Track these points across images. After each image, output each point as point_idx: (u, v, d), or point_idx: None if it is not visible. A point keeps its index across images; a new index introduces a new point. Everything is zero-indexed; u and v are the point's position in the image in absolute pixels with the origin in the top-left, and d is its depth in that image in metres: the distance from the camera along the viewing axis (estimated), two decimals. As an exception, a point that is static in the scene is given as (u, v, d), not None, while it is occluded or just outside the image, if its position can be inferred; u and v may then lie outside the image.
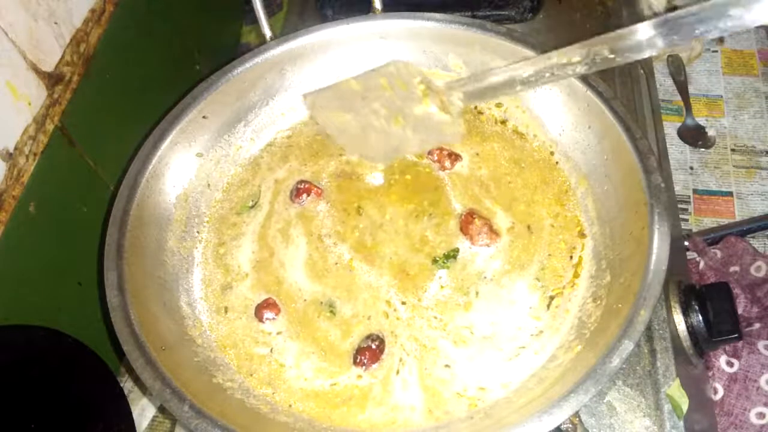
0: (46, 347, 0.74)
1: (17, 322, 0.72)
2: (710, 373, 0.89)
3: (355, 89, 0.74)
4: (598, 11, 1.11)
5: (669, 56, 1.47)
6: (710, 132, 1.41)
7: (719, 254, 1.08)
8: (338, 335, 0.72)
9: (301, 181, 0.84)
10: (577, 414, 0.71)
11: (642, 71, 1.03)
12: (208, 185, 0.85)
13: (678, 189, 1.33)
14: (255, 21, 0.89)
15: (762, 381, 0.88)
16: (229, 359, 0.72)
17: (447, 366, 0.69)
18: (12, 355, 0.70)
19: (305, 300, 0.75)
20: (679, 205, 1.30)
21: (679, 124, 1.42)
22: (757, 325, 0.92)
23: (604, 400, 0.72)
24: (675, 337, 0.76)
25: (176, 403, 0.60)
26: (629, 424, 0.70)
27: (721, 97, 1.46)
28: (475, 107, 0.89)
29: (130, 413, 0.77)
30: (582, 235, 0.77)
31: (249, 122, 0.88)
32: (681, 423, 0.70)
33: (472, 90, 0.67)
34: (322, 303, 0.75)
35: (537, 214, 0.79)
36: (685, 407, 0.71)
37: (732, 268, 1.06)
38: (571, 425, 0.71)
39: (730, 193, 1.33)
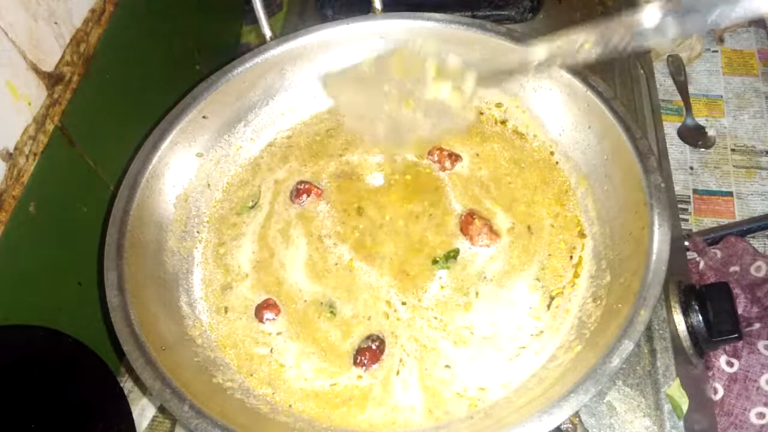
0: (46, 347, 0.74)
1: (17, 322, 0.72)
2: (710, 373, 0.89)
3: (368, 71, 0.73)
4: (598, 11, 1.11)
5: (669, 56, 1.47)
6: (710, 132, 1.41)
7: (719, 254, 1.08)
8: (338, 336, 0.72)
9: (301, 182, 0.84)
10: (577, 414, 0.71)
11: (642, 71, 1.03)
12: (208, 185, 0.85)
13: (678, 189, 1.33)
14: (255, 21, 0.89)
15: (762, 381, 0.88)
16: (229, 359, 0.72)
17: (447, 366, 0.69)
18: (12, 355, 0.70)
19: (305, 300, 0.75)
20: (679, 205, 1.30)
21: (679, 124, 1.42)
22: (757, 325, 0.93)
23: (604, 400, 0.72)
24: (675, 337, 0.76)
25: (176, 403, 0.60)
26: (629, 424, 0.70)
27: (721, 97, 1.46)
28: (475, 107, 0.89)
29: (130, 413, 0.77)
30: (582, 235, 0.77)
31: (249, 122, 0.88)
32: (681, 423, 0.70)
33: (485, 72, 0.66)
34: (322, 303, 0.75)
35: (537, 215, 0.79)
36: (685, 407, 0.71)
37: (732, 268, 1.06)
38: (571, 425, 0.71)
39: (730, 193, 1.33)
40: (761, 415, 0.87)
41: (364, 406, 0.67)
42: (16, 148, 0.72)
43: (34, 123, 0.75)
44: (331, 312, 0.74)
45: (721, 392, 0.89)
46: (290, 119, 0.91)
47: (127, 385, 0.87)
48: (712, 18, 0.51)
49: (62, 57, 0.80)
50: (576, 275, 0.74)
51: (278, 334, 0.73)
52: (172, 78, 1.05)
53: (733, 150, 1.38)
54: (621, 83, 0.99)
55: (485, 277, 0.75)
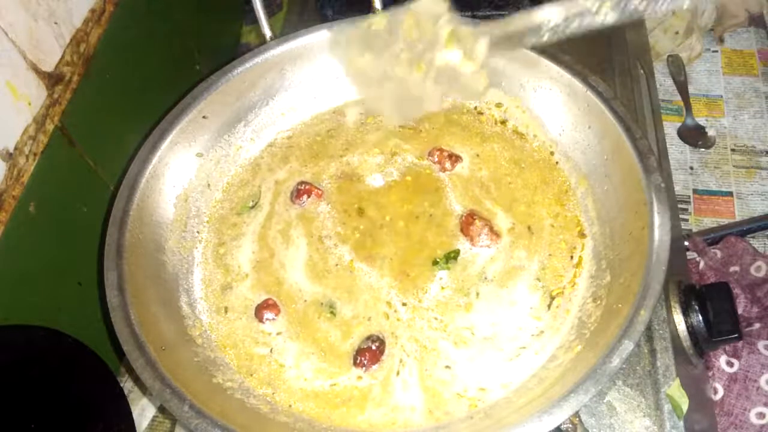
0: (46, 347, 0.74)
1: (17, 322, 0.72)
2: (710, 373, 0.89)
3: (380, 28, 0.70)
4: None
5: (669, 56, 1.47)
6: (710, 132, 1.41)
7: (719, 254, 1.08)
8: (338, 336, 0.72)
9: (302, 182, 0.84)
10: (577, 414, 0.71)
11: (642, 71, 1.03)
12: (208, 185, 0.85)
13: (678, 189, 1.33)
14: (255, 21, 0.89)
15: (762, 381, 0.88)
16: (229, 359, 0.72)
17: (447, 367, 0.69)
18: (12, 355, 0.70)
19: (305, 301, 0.75)
20: (679, 205, 1.30)
21: (679, 124, 1.42)
22: (757, 325, 0.93)
23: (604, 400, 0.72)
24: (675, 337, 0.76)
25: (176, 403, 0.60)
26: (629, 424, 0.70)
27: (721, 97, 1.46)
28: (475, 107, 0.90)
29: (130, 413, 0.77)
30: (582, 235, 0.77)
31: (249, 122, 0.88)
32: (681, 423, 0.70)
33: (499, 36, 0.64)
34: (322, 304, 0.75)
35: (537, 215, 0.79)
36: (685, 407, 0.71)
37: (732, 268, 1.06)
38: (571, 425, 0.71)
39: (730, 193, 1.33)
40: (761, 415, 0.87)
41: (363, 407, 0.67)
42: (16, 148, 0.72)
43: (34, 123, 0.75)
44: (331, 312, 0.74)
45: (721, 392, 0.89)
46: (290, 119, 0.91)
47: (127, 385, 0.87)
48: None
49: (62, 57, 0.80)
50: (576, 275, 0.74)
51: (278, 334, 0.73)
52: (172, 78, 1.05)
53: (733, 150, 1.38)
54: (621, 83, 0.99)
55: (486, 278, 0.75)
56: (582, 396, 0.57)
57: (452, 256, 0.76)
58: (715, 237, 1.16)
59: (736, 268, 1.06)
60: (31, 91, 0.75)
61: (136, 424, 0.78)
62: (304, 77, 0.89)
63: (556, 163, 0.83)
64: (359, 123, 0.91)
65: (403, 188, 0.83)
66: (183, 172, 0.82)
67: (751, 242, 1.14)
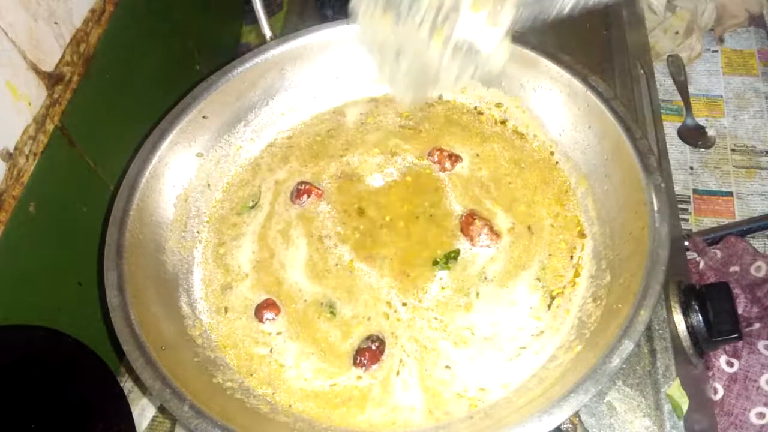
0: (46, 347, 0.74)
1: (17, 322, 0.72)
2: (710, 373, 0.89)
3: None
4: (598, 11, 1.11)
5: (669, 56, 1.47)
6: (710, 132, 1.41)
7: (719, 254, 1.08)
8: (338, 336, 0.72)
9: (302, 182, 0.84)
10: (577, 414, 0.71)
11: (642, 71, 1.03)
12: (208, 185, 0.85)
13: (678, 189, 1.33)
14: (255, 21, 0.89)
15: (762, 381, 0.88)
16: (229, 359, 0.72)
17: (447, 367, 0.69)
18: (12, 355, 0.70)
19: (305, 301, 0.75)
20: (679, 205, 1.30)
21: (679, 124, 1.42)
22: (757, 325, 0.93)
23: (604, 400, 0.72)
24: (675, 337, 0.76)
25: (176, 403, 0.60)
26: (629, 424, 0.70)
27: (721, 97, 1.46)
28: (475, 107, 0.90)
29: (130, 413, 0.77)
30: (582, 235, 0.77)
31: (249, 122, 0.88)
32: (681, 423, 0.70)
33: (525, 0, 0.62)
34: (322, 304, 0.75)
35: (537, 215, 0.79)
36: (685, 407, 0.71)
37: (732, 268, 1.06)
38: (571, 425, 0.71)
39: (730, 193, 1.33)
40: (761, 415, 0.87)
41: (363, 407, 0.67)
42: (16, 148, 0.72)
43: (34, 123, 0.75)
44: (331, 312, 0.74)
45: (721, 392, 0.89)
46: (290, 119, 0.91)
47: (127, 385, 0.87)
48: None
49: (62, 57, 0.80)
50: (576, 275, 0.74)
51: (278, 334, 0.73)
52: (172, 78, 1.05)
53: (733, 150, 1.38)
54: (621, 83, 0.99)
55: (486, 278, 0.75)
56: (582, 396, 0.57)
57: (452, 256, 0.76)
58: (715, 237, 1.16)
59: (736, 268, 1.06)
60: (31, 91, 0.75)
61: (136, 424, 0.78)
62: (304, 77, 0.89)
63: (556, 163, 0.83)
64: (359, 123, 0.91)
65: (403, 188, 0.83)
66: (183, 172, 0.82)
67: (751, 242, 1.14)
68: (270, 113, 0.90)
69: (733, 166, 1.36)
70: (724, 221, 1.28)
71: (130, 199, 0.75)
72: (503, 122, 0.88)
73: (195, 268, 0.80)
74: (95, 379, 0.76)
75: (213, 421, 0.59)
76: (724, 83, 1.48)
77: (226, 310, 0.76)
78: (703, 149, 1.39)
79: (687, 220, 1.30)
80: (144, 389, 0.86)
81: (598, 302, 0.69)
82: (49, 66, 0.78)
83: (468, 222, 0.77)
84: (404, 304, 0.74)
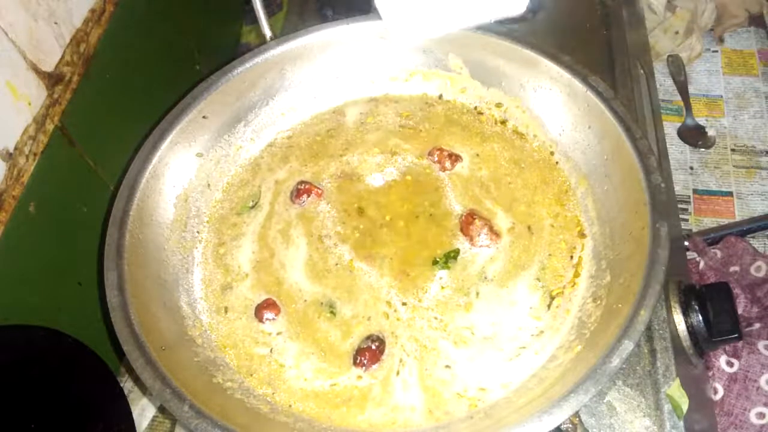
0: (46, 347, 0.74)
1: (17, 322, 0.72)
2: (710, 373, 0.89)
3: None
4: (598, 11, 1.11)
5: (669, 56, 1.47)
6: (710, 132, 1.41)
7: (719, 254, 1.08)
8: (338, 336, 0.72)
9: (302, 182, 0.84)
10: (577, 414, 0.71)
11: (642, 71, 1.03)
12: (208, 185, 0.85)
13: (678, 189, 1.33)
14: (255, 21, 0.89)
15: (762, 381, 0.88)
16: (229, 359, 0.72)
17: (447, 366, 0.69)
18: (12, 355, 0.70)
19: (305, 300, 0.75)
20: (679, 205, 1.30)
21: (679, 124, 1.42)
22: (757, 325, 0.93)
23: (604, 400, 0.72)
24: (675, 337, 0.76)
25: (176, 403, 0.60)
26: (629, 424, 0.70)
27: (721, 97, 1.46)
28: (475, 107, 0.90)
29: (130, 413, 0.77)
30: (582, 235, 0.77)
31: (249, 122, 0.88)
32: (681, 423, 0.70)
33: None
34: (322, 303, 0.75)
35: (537, 215, 0.79)
36: (685, 407, 0.71)
37: (732, 268, 1.06)
38: (571, 425, 0.71)
39: (730, 193, 1.33)
40: (761, 415, 0.87)
41: (363, 407, 0.67)
42: (16, 148, 0.72)
43: (34, 123, 0.75)
44: (331, 312, 0.74)
45: (721, 392, 0.89)
46: (290, 119, 0.91)
47: (127, 385, 0.87)
48: None
49: (62, 57, 0.80)
50: (576, 275, 0.74)
51: (278, 334, 0.73)
52: (172, 78, 1.05)
53: (733, 150, 1.38)
54: (621, 83, 0.99)
55: (486, 278, 0.75)
56: (582, 396, 0.57)
57: (452, 256, 0.76)
58: (715, 237, 1.16)
59: (736, 268, 1.06)
60: (31, 91, 0.75)
61: (136, 424, 0.78)
62: (304, 77, 0.89)
63: (556, 163, 0.83)
64: (359, 123, 0.91)
65: (403, 188, 0.83)
66: (183, 172, 0.82)
67: (751, 242, 1.14)
68: (270, 113, 0.90)
69: (733, 166, 1.36)
70: (724, 221, 1.28)
71: (130, 199, 0.75)
72: (503, 122, 0.88)
73: (195, 268, 0.80)
74: (95, 379, 0.76)
75: (213, 421, 0.59)
76: (724, 83, 1.48)
77: (226, 310, 0.76)
78: (703, 149, 1.39)
79: (687, 220, 1.30)
80: (144, 389, 0.86)
81: (598, 302, 0.69)
82: (49, 66, 0.78)
83: (468, 222, 0.78)
84: (404, 304, 0.74)
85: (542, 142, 0.85)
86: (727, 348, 0.90)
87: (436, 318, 0.72)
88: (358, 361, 0.69)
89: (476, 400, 0.66)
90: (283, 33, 0.90)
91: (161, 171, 0.79)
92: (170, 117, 0.81)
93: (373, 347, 0.70)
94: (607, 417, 0.71)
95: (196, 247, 0.81)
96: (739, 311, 0.94)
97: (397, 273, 0.76)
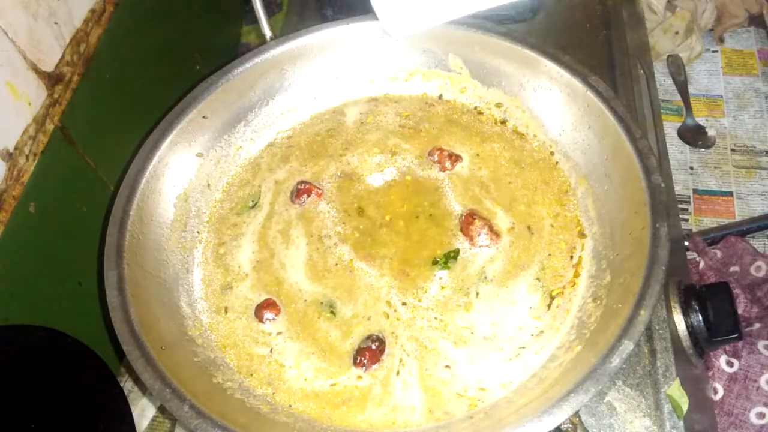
0: (46, 347, 0.74)
1: (17, 322, 0.72)
2: (710, 373, 0.89)
3: None
4: (598, 11, 1.11)
5: (669, 56, 1.47)
6: (710, 132, 1.41)
7: (719, 254, 1.08)
8: (338, 336, 0.72)
9: (302, 182, 0.84)
10: (577, 414, 0.71)
11: (642, 71, 1.03)
12: (208, 185, 0.85)
13: (678, 189, 1.33)
14: (255, 21, 0.89)
15: (762, 381, 0.88)
16: (229, 359, 0.72)
17: (447, 366, 0.69)
18: (12, 355, 0.70)
19: (305, 300, 0.75)
20: (679, 205, 1.30)
21: (679, 124, 1.42)
22: (757, 325, 0.93)
23: (604, 400, 0.72)
24: (675, 337, 0.76)
25: (176, 403, 0.60)
26: (629, 424, 0.70)
27: (721, 97, 1.46)
28: (475, 107, 0.90)
29: (130, 413, 0.77)
30: (582, 235, 0.77)
31: (249, 122, 0.88)
32: (681, 423, 0.70)
33: None
34: (322, 303, 0.75)
35: (537, 215, 0.79)
36: (685, 407, 0.71)
37: (732, 268, 1.06)
38: (571, 425, 0.71)
39: (730, 193, 1.33)
40: (761, 415, 0.87)
41: (363, 407, 0.67)
42: (16, 148, 0.72)
43: (34, 123, 0.75)
44: (331, 312, 0.74)
45: (721, 392, 0.89)
46: (290, 119, 0.91)
47: (127, 385, 0.87)
48: None
49: (62, 57, 0.80)
50: (576, 275, 0.74)
51: (278, 334, 0.73)
52: (172, 78, 1.05)
53: (733, 150, 1.38)
54: (621, 83, 0.99)
55: (485, 277, 0.75)
56: (582, 396, 0.57)
57: (452, 256, 0.76)
58: (715, 237, 1.16)
59: (736, 268, 1.06)
60: (31, 91, 0.75)
61: (136, 424, 0.78)
62: (304, 77, 0.89)
63: (556, 163, 0.83)
64: (359, 123, 0.91)
65: (402, 188, 0.83)
66: (183, 172, 0.82)
67: (751, 242, 1.14)
68: (270, 113, 0.90)
69: (733, 166, 1.36)
70: (724, 221, 1.28)
71: (130, 199, 0.75)
72: (503, 122, 0.88)
73: (195, 268, 0.80)
74: (95, 379, 0.76)
75: (213, 421, 0.59)
76: (724, 83, 1.48)
77: (226, 310, 0.76)
78: (703, 149, 1.39)
79: (687, 220, 1.30)
80: (144, 389, 0.86)
81: (598, 302, 0.69)
82: (49, 66, 0.78)
83: (468, 222, 0.77)
84: (404, 304, 0.74)
85: (542, 142, 0.85)
86: (727, 348, 0.90)
87: (436, 318, 0.72)
88: (358, 361, 0.69)
89: (476, 400, 0.67)
90: (283, 33, 0.90)
91: (161, 171, 0.79)
92: (170, 117, 0.81)
93: (373, 347, 0.70)
94: (607, 417, 0.71)
95: (196, 247, 0.81)
96: (739, 311, 0.94)
97: (397, 273, 0.76)
